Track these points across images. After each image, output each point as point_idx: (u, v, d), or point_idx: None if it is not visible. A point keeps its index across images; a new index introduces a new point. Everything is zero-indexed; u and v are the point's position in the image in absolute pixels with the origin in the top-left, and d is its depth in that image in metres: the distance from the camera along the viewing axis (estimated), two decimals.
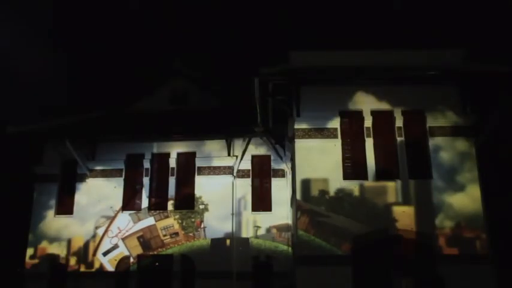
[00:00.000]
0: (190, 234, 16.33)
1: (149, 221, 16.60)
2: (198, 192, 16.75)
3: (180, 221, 16.49)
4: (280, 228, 16.19)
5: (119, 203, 16.81)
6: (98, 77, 27.99)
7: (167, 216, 16.58)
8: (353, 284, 12.16)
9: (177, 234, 16.36)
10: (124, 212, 16.68)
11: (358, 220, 12.69)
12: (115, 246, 16.39)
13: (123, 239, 16.44)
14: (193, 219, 16.47)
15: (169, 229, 16.44)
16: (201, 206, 16.57)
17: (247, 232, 16.26)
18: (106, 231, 16.55)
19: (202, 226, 16.34)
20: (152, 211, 16.69)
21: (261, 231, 16.24)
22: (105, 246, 16.44)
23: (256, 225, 16.31)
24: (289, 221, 16.02)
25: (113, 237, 16.49)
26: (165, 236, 16.37)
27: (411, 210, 12.83)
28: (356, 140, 13.59)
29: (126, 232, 16.50)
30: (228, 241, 16.08)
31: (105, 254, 16.35)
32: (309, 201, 12.92)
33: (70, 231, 16.81)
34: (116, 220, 16.67)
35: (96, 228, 16.60)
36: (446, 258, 12.42)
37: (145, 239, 16.42)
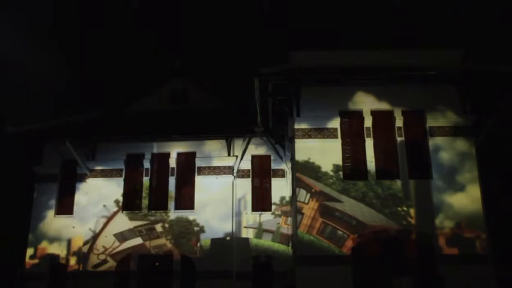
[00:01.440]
0: (186, 252, 16.09)
1: (136, 241, 16.26)
2: (197, 194, 16.67)
3: (172, 241, 16.19)
4: (286, 212, 16.23)
5: (99, 225, 16.55)
6: (98, 77, 27.98)
7: (158, 237, 16.28)
8: (353, 284, 12.16)
9: (170, 251, 16.17)
10: (123, 212, 16.68)
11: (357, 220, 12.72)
12: (104, 261, 16.22)
13: (111, 256, 16.25)
14: (187, 239, 16.19)
15: (163, 247, 16.21)
16: (196, 228, 16.31)
17: (247, 232, 16.27)
18: (91, 248, 16.31)
19: (198, 245, 16.14)
20: (139, 231, 16.33)
21: (265, 217, 16.27)
22: (93, 261, 16.22)
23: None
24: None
25: (99, 254, 16.31)
26: (157, 252, 16.23)
27: (411, 210, 12.83)
28: (356, 140, 13.60)
29: (113, 250, 16.27)
30: (228, 241, 16.09)
31: (94, 267, 16.18)
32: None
33: (70, 231, 16.80)
34: (100, 238, 16.40)
35: (79, 248, 16.48)
36: (446, 258, 12.42)
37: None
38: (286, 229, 16.06)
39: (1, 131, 16.45)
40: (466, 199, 12.91)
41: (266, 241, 16.11)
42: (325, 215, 12.73)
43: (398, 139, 13.52)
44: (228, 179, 16.73)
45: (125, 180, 17.06)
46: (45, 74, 26.36)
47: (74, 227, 16.77)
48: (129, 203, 16.86)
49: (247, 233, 16.26)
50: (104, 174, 17.11)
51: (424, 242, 12.63)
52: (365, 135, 13.59)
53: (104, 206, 16.70)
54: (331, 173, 13.06)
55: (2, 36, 24.50)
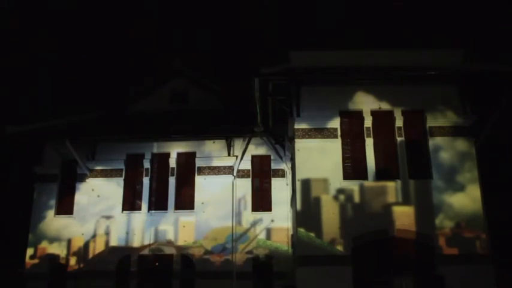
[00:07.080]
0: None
1: None
2: (197, 194, 16.70)
3: None
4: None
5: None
6: (98, 77, 27.97)
7: None
8: (353, 284, 12.15)
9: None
10: (124, 212, 16.68)
11: (357, 220, 12.71)
12: None
13: None
14: None
15: None
16: None
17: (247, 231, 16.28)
18: None
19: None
20: None
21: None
22: None
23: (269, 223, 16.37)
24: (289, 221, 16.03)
25: None
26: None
27: (411, 210, 12.83)
28: (356, 140, 13.60)
29: None
30: (228, 241, 16.08)
31: None
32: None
33: (70, 231, 16.80)
34: None
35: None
36: (446, 258, 12.42)
37: None
38: None
39: (1, 131, 16.45)
40: (466, 199, 12.90)
41: (266, 241, 16.12)
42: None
43: (398, 139, 13.52)
44: (228, 179, 16.73)
45: (125, 180, 17.08)
46: (45, 74, 26.38)
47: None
48: (129, 203, 16.85)
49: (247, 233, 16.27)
50: (104, 174, 17.12)
51: (424, 242, 12.63)
52: (365, 135, 13.59)
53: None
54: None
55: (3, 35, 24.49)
